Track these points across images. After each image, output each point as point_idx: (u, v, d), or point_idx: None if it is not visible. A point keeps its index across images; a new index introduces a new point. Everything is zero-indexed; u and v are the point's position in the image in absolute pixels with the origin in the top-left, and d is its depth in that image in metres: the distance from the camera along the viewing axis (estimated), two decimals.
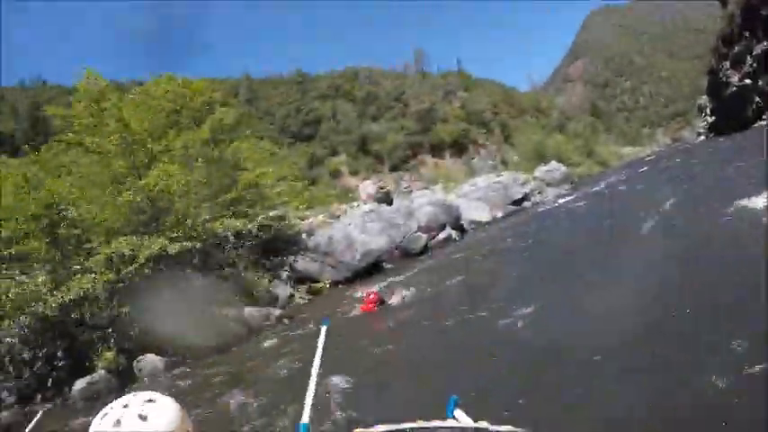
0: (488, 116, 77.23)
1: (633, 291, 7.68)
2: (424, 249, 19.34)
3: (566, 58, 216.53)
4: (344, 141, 71.18)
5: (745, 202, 11.06)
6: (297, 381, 8.48)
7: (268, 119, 76.03)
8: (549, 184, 37.56)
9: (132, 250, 11.58)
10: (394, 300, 12.15)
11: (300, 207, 27.62)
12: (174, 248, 11.70)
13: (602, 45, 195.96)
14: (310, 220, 24.32)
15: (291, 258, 17.54)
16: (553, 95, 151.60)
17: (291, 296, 15.91)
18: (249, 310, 12.65)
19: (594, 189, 32.22)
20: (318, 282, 16.67)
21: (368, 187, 29.15)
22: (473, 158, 68.39)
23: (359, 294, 13.65)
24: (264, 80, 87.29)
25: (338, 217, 25.30)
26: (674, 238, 11.43)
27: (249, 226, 13.45)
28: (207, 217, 13.11)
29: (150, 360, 11.23)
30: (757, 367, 4.50)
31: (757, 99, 38.30)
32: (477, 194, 28.30)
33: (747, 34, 39.61)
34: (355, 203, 28.49)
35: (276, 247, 17.79)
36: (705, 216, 12.30)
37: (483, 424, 1.78)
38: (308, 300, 15.97)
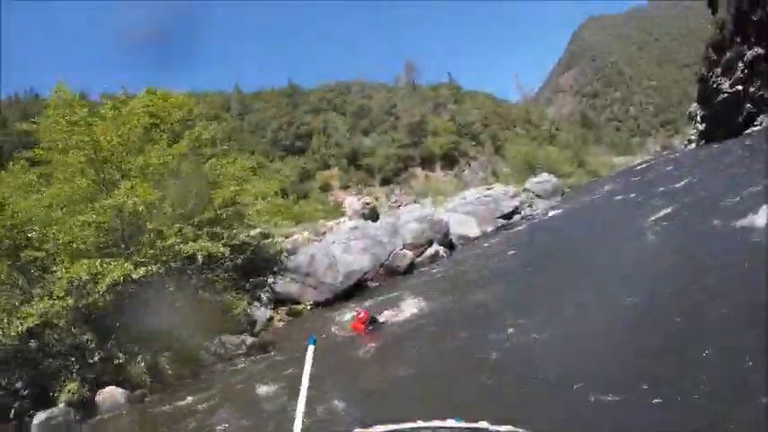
0: (479, 128, 76.91)
1: (619, 307, 8.03)
2: (410, 268, 18.62)
3: (556, 69, 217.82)
4: (336, 155, 70.87)
5: (737, 209, 11.29)
6: (272, 409, 8.00)
7: (260, 132, 75.67)
8: (539, 196, 37.03)
9: (94, 275, 10.87)
10: (383, 319, 11.80)
11: (284, 223, 27.07)
12: (138, 273, 10.98)
13: (592, 55, 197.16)
14: (295, 236, 23.63)
15: (271, 279, 16.80)
16: (543, 106, 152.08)
17: (270, 319, 15.28)
18: (224, 337, 11.91)
19: (584, 200, 31.88)
20: (299, 303, 15.96)
21: (354, 203, 28.43)
22: (464, 171, 68.02)
23: (346, 317, 13.09)
24: (256, 94, 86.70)
25: (324, 234, 24.65)
26: (662, 250, 11.70)
27: (222, 249, 12.59)
28: (176, 240, 12.32)
29: (111, 393, 10.50)
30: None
31: (749, 105, 38.11)
32: (466, 208, 27.69)
33: (738, 40, 39.48)
34: (341, 219, 27.79)
35: (256, 267, 17.10)
36: (694, 226, 12.60)
37: (483, 424, 1.90)
38: (288, 322, 15.30)
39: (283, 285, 16.44)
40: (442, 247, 21.26)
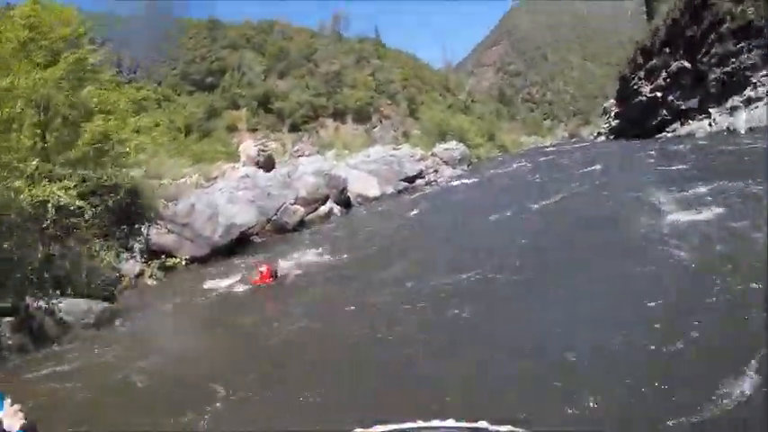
0: (397, 87, 76.15)
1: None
2: (301, 224, 17.75)
3: (483, 43, 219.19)
4: (247, 95, 67.84)
5: (631, 197, 13.21)
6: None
7: (171, 64, 71.05)
8: (446, 163, 37.09)
9: None
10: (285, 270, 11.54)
11: (180, 162, 25.14)
12: None
13: (520, 36, 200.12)
14: (183, 179, 22.02)
15: (147, 228, 15.31)
16: (465, 76, 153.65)
17: (140, 274, 13.88)
18: (68, 303, 9.47)
19: (489, 174, 32.31)
20: (174, 257, 14.62)
21: (249, 148, 26.85)
22: (375, 128, 67.28)
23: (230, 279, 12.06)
24: (173, 22, 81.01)
25: (215, 179, 23.19)
26: (552, 224, 12.84)
27: (78, 202, 10.75)
28: (18, 184, 10.39)
29: None
30: None
31: (664, 112, 40.18)
32: (369, 167, 27.03)
33: (667, 50, 41.28)
34: (235, 165, 26.21)
35: (131, 213, 15.58)
36: (587, 205, 14.32)
37: (483, 424, 2.07)
38: (159, 280, 13.89)
39: (158, 236, 14.85)
40: (337, 206, 20.52)
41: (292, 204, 17.78)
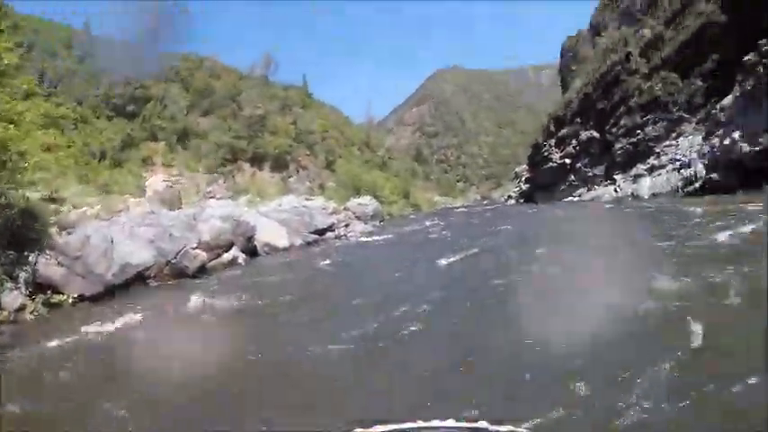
0: (317, 139, 76.84)
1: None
2: (201, 270, 17.28)
3: (406, 103, 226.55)
4: (167, 129, 65.81)
5: (532, 254, 14.48)
6: None
7: (95, 83, 67.71)
8: (358, 218, 37.58)
9: None
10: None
11: (87, 190, 23.96)
12: None
13: (441, 100, 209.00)
14: (84, 209, 21.03)
15: (36, 257, 14.38)
16: (384, 133, 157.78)
17: (22, 308, 12.90)
18: None
19: (400, 231, 33.01)
20: (62, 293, 13.72)
21: (157, 184, 26.18)
22: (291, 177, 67.18)
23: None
24: (107, 39, 77.59)
25: (119, 212, 22.29)
26: (459, 284, 13.20)
27: None
28: None
29: None
30: None
31: (572, 178, 43.09)
32: (280, 216, 26.95)
33: (579, 120, 44.68)
34: (140, 200, 25.35)
35: (25, 237, 14.67)
36: (494, 264, 15.04)
37: (482, 424, 2.10)
38: (42, 318, 12.88)
39: (46, 267, 13.89)
40: (242, 254, 20.23)
41: (194, 248, 17.29)
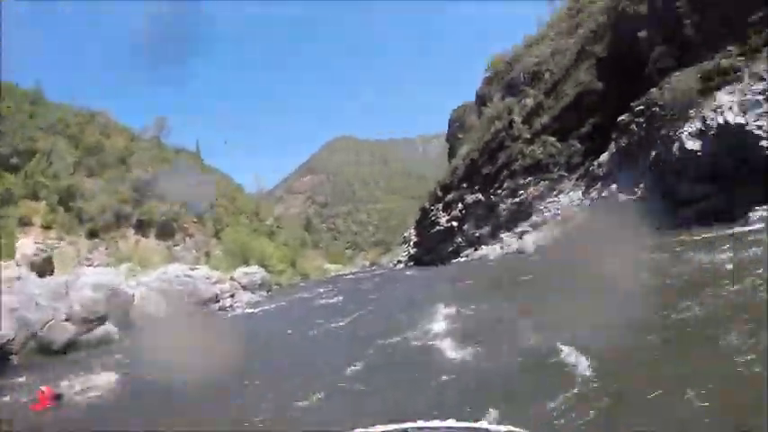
0: (206, 206, 75.05)
1: None
2: (71, 346, 16.04)
3: (297, 172, 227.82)
4: (50, 187, 61.02)
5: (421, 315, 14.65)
6: None
7: None
8: (245, 288, 36.83)
9: None
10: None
11: None
12: None
13: (333, 169, 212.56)
14: None
15: None
16: (273, 202, 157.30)
17: None
18: None
19: (288, 299, 32.68)
20: None
21: (27, 247, 24.33)
22: (177, 245, 64.70)
23: None
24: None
25: None
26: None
27: None
28: None
29: None
30: None
31: (459, 239, 44.92)
32: (162, 286, 25.89)
33: (465, 185, 47.10)
34: (8, 264, 23.23)
35: None
36: (381, 327, 15.07)
37: (483, 424, 2.25)
38: None
39: None
40: (116, 328, 19.02)
41: (64, 321, 16.13)
